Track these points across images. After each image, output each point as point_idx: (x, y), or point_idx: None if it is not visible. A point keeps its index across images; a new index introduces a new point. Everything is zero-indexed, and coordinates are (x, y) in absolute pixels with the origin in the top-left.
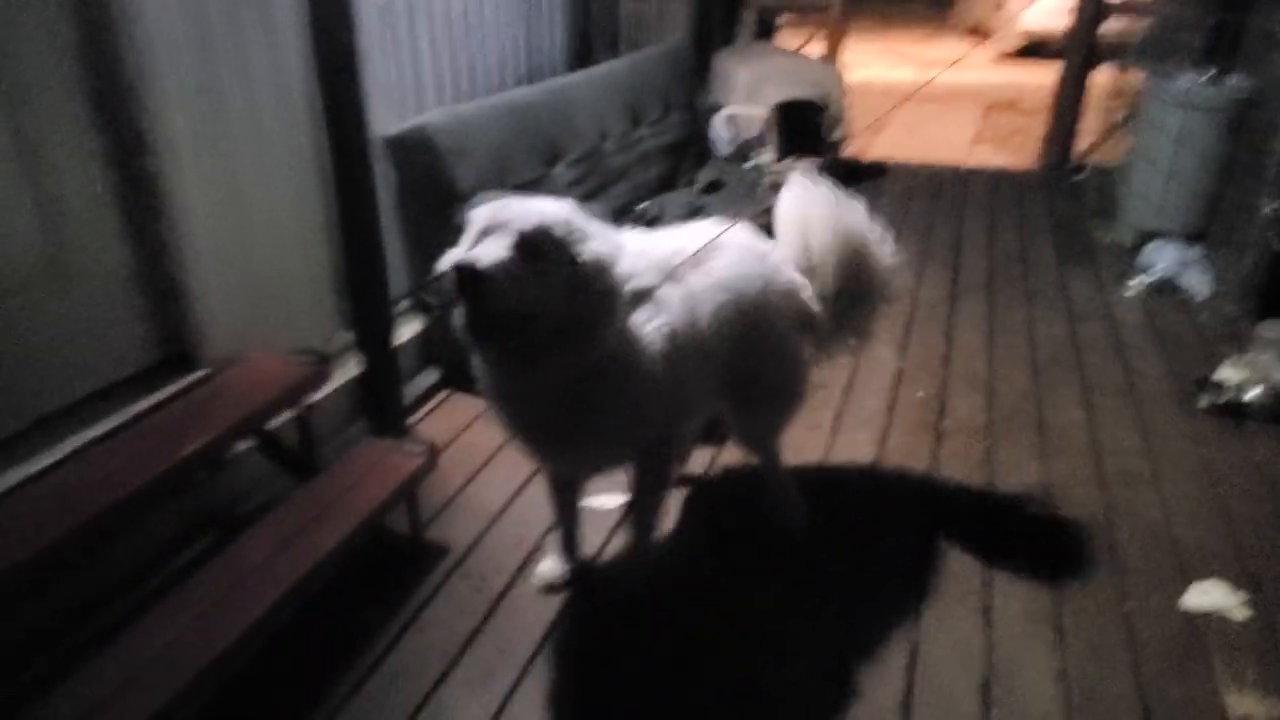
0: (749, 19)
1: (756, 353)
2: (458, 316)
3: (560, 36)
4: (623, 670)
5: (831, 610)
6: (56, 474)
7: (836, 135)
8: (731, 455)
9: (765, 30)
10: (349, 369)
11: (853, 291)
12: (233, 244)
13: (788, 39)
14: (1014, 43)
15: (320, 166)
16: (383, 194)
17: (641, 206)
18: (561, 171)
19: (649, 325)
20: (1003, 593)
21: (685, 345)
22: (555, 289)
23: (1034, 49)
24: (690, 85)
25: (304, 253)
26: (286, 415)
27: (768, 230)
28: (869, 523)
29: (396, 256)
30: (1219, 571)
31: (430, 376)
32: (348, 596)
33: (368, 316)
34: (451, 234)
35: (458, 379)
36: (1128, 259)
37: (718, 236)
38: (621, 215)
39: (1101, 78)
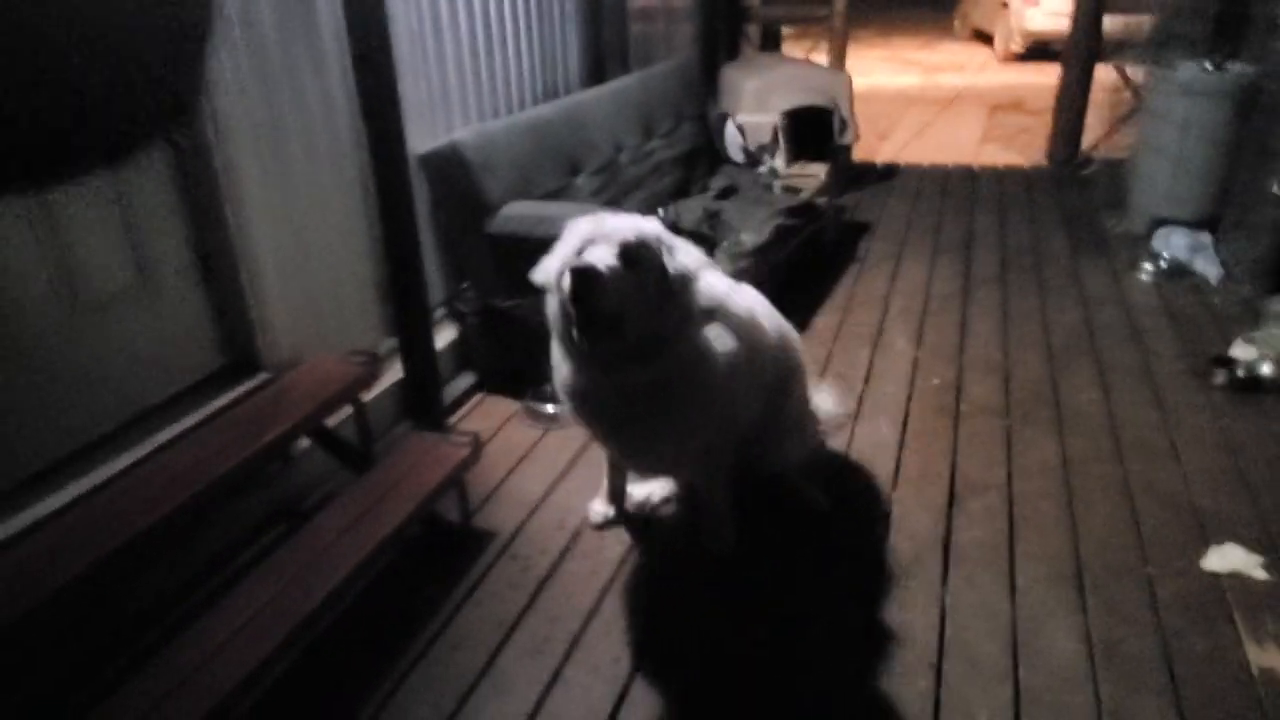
0: (754, 32)
1: (788, 382)
2: (564, 317)
3: (574, 55)
4: (670, 634)
5: (862, 580)
6: (145, 467)
7: (846, 139)
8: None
9: (771, 42)
10: (393, 373)
11: None
12: (290, 260)
13: (792, 49)
14: (1018, 44)
15: (364, 187)
16: (419, 209)
17: (659, 213)
18: (583, 182)
19: (717, 342)
20: (1025, 558)
21: (742, 365)
22: (648, 295)
23: (1038, 50)
24: (700, 97)
25: (352, 266)
26: (345, 413)
27: None
28: (894, 500)
29: (432, 267)
30: (1238, 536)
31: (466, 380)
32: (408, 577)
33: (411, 322)
34: (481, 242)
35: (493, 381)
36: (1140, 246)
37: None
38: None
39: (1105, 72)
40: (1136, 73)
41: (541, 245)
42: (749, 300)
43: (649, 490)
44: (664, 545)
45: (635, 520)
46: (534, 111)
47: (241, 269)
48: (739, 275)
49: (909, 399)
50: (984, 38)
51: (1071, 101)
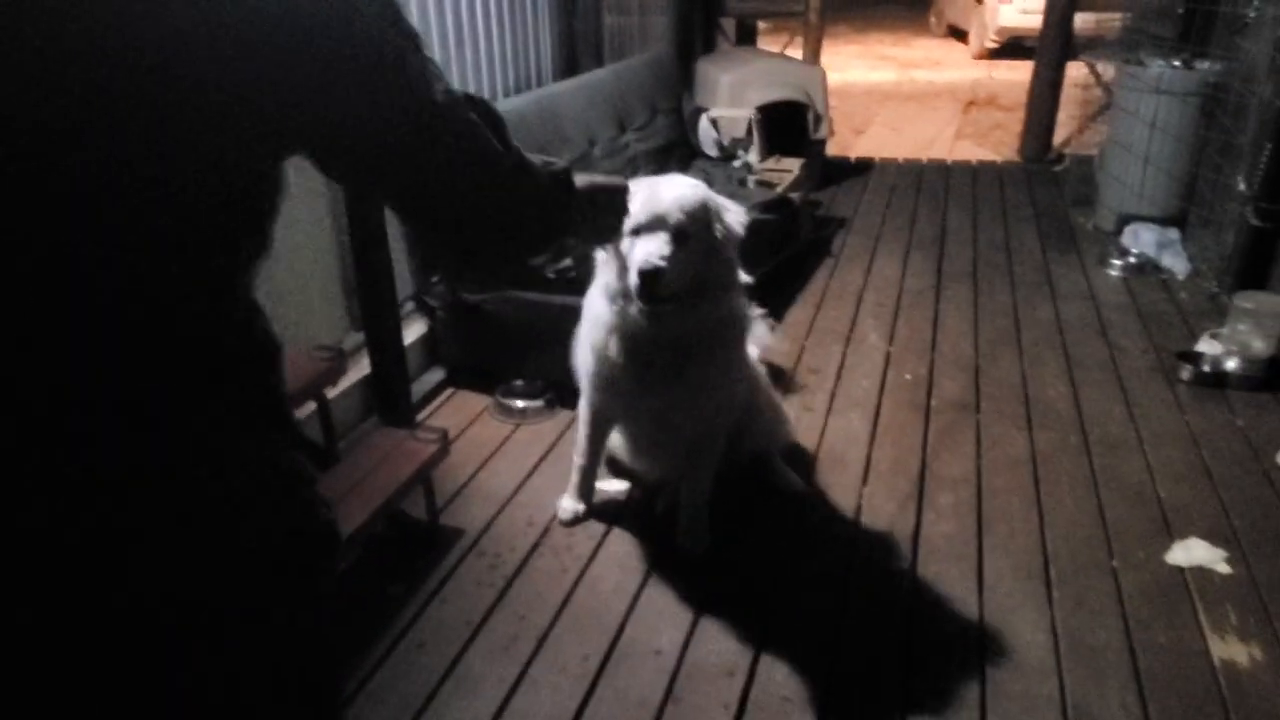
0: (729, 26)
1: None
2: (628, 304)
3: (547, 47)
4: (639, 631)
5: (831, 574)
6: None
7: (821, 134)
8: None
9: (745, 36)
10: (360, 368)
11: None
12: None
13: (767, 44)
14: (993, 41)
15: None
16: None
17: None
18: None
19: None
20: (992, 552)
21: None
22: (697, 259)
23: (1012, 47)
24: (674, 91)
25: (317, 259)
26: (309, 409)
27: None
28: (864, 494)
29: (400, 260)
30: (1202, 529)
31: (435, 375)
32: (373, 575)
33: (378, 316)
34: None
35: (462, 377)
36: (1109, 243)
37: None
38: None
39: (1077, 69)
40: (1107, 70)
41: None
42: None
43: (619, 486)
44: (634, 542)
45: (605, 516)
46: (506, 103)
47: None
48: None
49: (881, 393)
50: (959, 34)
51: (1044, 98)
